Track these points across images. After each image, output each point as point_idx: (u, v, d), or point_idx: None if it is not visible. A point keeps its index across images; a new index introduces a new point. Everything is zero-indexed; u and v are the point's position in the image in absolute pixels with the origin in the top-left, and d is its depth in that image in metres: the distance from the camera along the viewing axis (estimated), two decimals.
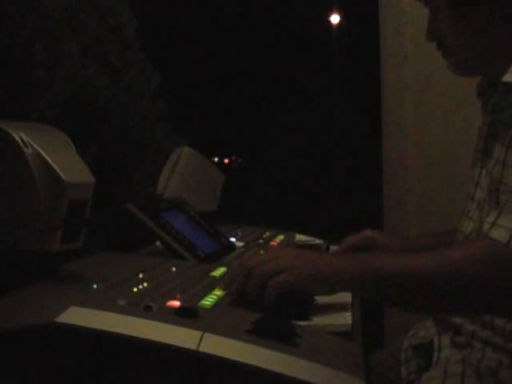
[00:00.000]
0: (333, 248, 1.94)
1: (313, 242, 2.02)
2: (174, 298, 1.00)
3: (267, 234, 1.94)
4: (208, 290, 1.11)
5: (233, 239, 1.77)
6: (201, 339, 0.83)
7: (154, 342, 0.82)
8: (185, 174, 1.99)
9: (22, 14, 2.24)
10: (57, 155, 1.08)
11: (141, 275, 1.16)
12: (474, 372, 1.25)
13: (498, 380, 1.23)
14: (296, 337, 0.90)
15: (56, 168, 1.06)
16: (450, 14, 1.30)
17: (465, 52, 1.32)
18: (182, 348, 0.82)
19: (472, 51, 1.31)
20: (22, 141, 1.06)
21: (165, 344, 0.82)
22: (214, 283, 1.18)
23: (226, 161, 11.59)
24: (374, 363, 1.51)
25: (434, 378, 1.28)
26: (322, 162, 7.82)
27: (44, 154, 1.06)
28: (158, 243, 1.52)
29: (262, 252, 1.56)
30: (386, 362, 1.49)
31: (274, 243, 1.80)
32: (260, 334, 0.88)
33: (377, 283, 1.11)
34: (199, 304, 1.02)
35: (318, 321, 1.11)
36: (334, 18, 11.60)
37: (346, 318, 1.12)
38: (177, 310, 0.91)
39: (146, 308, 0.91)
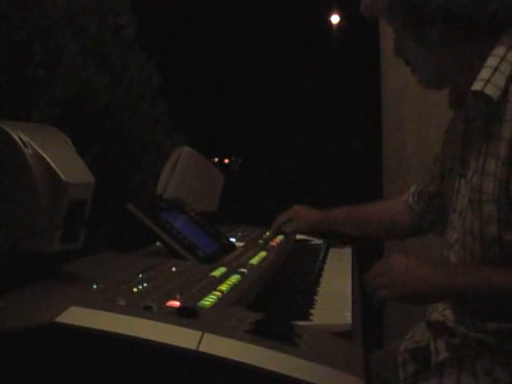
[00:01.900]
0: (334, 249, 1.94)
1: (313, 242, 2.03)
2: (174, 298, 1.00)
3: (267, 234, 1.94)
4: (208, 290, 1.11)
5: (233, 239, 1.77)
6: (201, 339, 0.83)
7: (153, 341, 0.82)
8: (185, 174, 1.99)
9: (22, 14, 2.24)
10: (57, 155, 1.08)
11: (141, 275, 1.16)
12: (469, 372, 1.25)
13: (494, 379, 1.24)
14: (296, 337, 0.90)
15: (56, 168, 1.06)
16: (408, 34, 1.32)
17: (426, 68, 1.34)
18: (182, 348, 0.82)
19: (433, 67, 1.33)
20: (22, 141, 1.06)
21: (165, 344, 0.82)
22: (214, 283, 1.18)
23: (226, 161, 11.59)
24: (371, 364, 1.51)
25: (431, 377, 1.29)
26: (322, 162, 7.82)
27: (44, 154, 1.06)
28: (158, 243, 1.52)
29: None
30: (384, 363, 1.50)
31: (274, 243, 1.80)
32: (260, 334, 0.88)
33: (465, 296, 1.25)
34: (199, 304, 1.02)
35: (318, 321, 1.11)
36: (334, 18, 11.62)
37: (346, 318, 1.12)
38: (177, 310, 0.91)
39: (145, 308, 0.91)
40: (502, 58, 1.23)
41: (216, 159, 10.19)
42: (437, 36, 1.28)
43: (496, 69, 1.23)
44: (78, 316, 0.85)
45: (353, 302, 1.24)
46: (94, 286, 1.04)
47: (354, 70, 9.30)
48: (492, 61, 1.24)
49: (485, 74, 1.23)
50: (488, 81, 1.22)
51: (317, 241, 2.03)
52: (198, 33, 10.40)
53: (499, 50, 1.24)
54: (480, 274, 1.22)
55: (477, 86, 1.24)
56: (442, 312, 1.38)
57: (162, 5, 8.52)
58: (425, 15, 1.26)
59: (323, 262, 1.72)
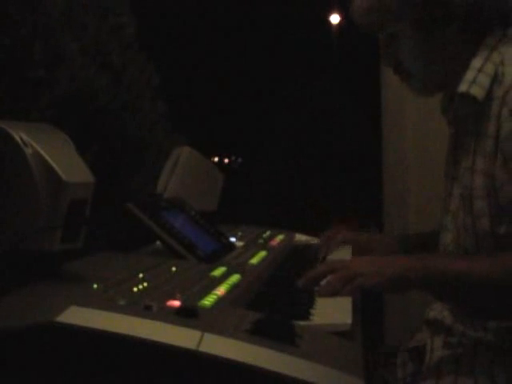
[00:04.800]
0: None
1: (312, 242, 2.03)
2: (174, 298, 1.00)
3: (267, 233, 1.94)
4: (208, 290, 1.11)
5: (233, 239, 1.77)
6: (201, 339, 0.83)
7: (153, 341, 0.82)
8: (185, 173, 1.99)
9: (22, 14, 2.24)
10: (57, 155, 1.08)
11: (141, 275, 1.16)
12: (467, 371, 1.26)
13: (492, 378, 1.24)
14: (296, 337, 0.90)
15: (56, 168, 1.06)
16: (415, 36, 1.32)
17: (429, 72, 1.35)
18: (182, 348, 0.82)
19: (435, 71, 1.34)
20: (22, 141, 1.06)
21: (165, 344, 0.82)
22: (214, 283, 1.18)
23: (226, 161, 11.60)
24: (371, 364, 1.52)
25: (428, 377, 1.29)
26: (321, 161, 7.83)
27: (44, 154, 1.06)
28: (158, 243, 1.52)
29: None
30: (383, 364, 1.50)
31: (274, 243, 1.80)
32: (260, 333, 0.87)
33: (440, 284, 1.21)
34: (199, 304, 1.02)
35: (318, 321, 1.11)
36: (334, 18, 11.62)
37: (346, 318, 1.12)
38: (177, 310, 0.91)
39: (146, 308, 0.91)
40: (486, 59, 1.26)
41: (216, 159, 10.19)
42: (452, 35, 1.28)
43: (480, 70, 1.25)
44: (78, 316, 0.85)
45: (353, 302, 1.24)
46: (95, 286, 1.04)
47: (354, 69, 9.30)
48: (476, 62, 1.27)
49: (469, 75, 1.26)
50: (473, 82, 1.25)
51: (317, 241, 2.03)
52: (197, 33, 10.41)
53: (483, 52, 1.26)
54: (459, 260, 1.23)
55: (462, 87, 1.26)
56: (440, 312, 1.39)
57: (162, 5, 8.52)
58: (447, 12, 1.26)
59: (323, 261, 1.72)
